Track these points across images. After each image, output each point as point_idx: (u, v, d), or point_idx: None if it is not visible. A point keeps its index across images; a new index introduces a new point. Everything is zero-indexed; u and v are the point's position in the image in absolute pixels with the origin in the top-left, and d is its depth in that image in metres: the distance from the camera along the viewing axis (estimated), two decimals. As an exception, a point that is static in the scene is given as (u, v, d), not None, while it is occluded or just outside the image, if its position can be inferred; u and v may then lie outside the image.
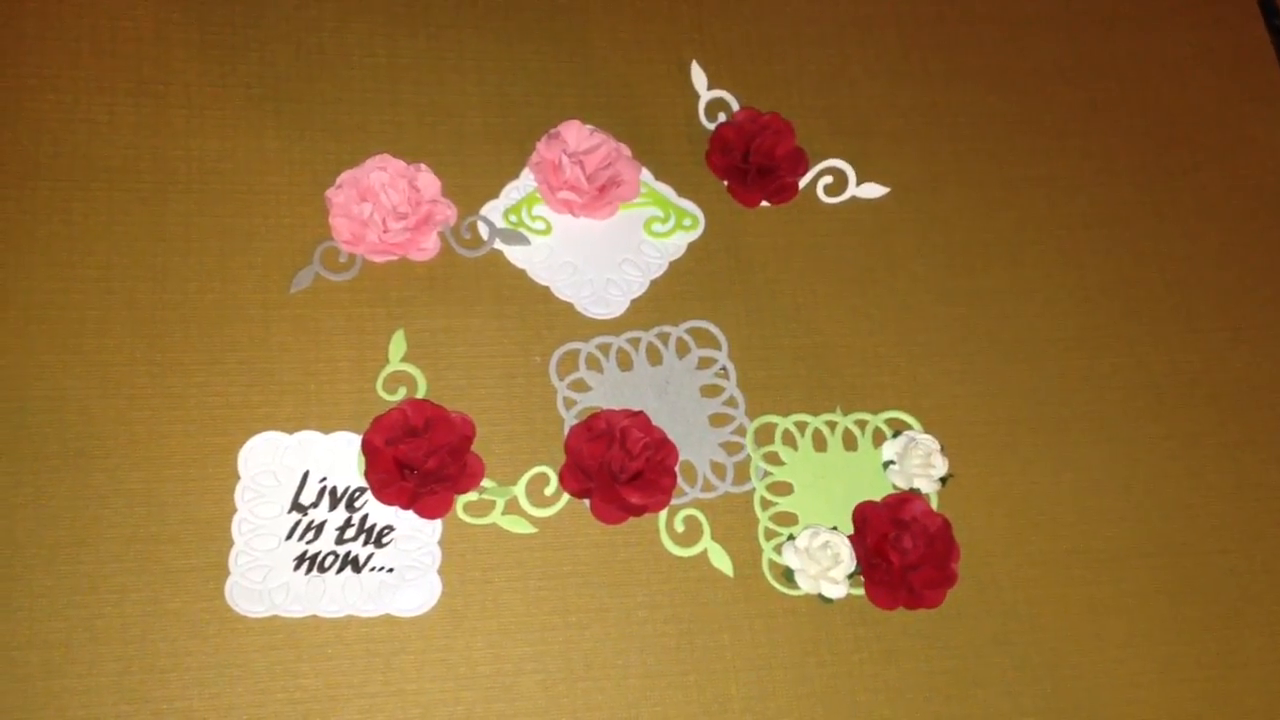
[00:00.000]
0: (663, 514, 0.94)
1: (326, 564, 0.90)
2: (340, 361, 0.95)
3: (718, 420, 0.98)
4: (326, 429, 0.92)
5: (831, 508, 0.98)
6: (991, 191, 1.12)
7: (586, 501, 0.93)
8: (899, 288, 1.06)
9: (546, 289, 1.00)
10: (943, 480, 0.98)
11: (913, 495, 0.96)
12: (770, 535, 0.96)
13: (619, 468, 0.91)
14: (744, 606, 0.94)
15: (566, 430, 0.94)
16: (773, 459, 0.98)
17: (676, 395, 0.99)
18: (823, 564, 0.94)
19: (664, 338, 1.00)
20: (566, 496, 0.93)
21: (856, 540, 0.96)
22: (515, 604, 0.91)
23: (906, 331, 1.05)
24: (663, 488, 0.93)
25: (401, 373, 0.95)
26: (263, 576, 0.88)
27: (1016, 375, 1.04)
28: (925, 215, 1.10)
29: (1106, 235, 1.12)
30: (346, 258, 0.97)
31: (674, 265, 1.04)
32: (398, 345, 0.96)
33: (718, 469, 0.97)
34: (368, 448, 0.91)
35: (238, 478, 0.90)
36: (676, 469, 0.94)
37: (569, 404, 0.96)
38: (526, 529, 0.92)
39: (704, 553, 0.94)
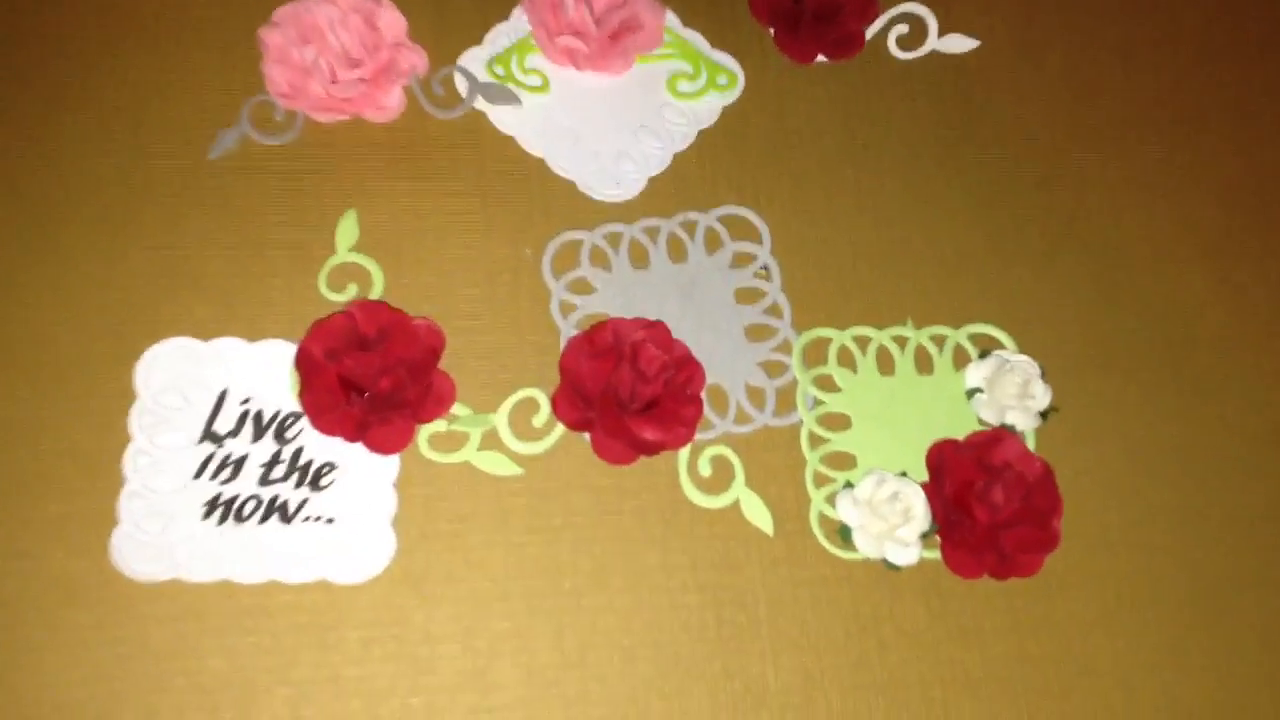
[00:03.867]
0: (684, 452, 0.76)
1: (246, 512, 0.71)
2: (272, 249, 0.77)
3: (756, 333, 0.80)
4: (252, 335, 0.75)
5: (900, 447, 0.79)
6: (1106, 54, 0.93)
7: (586, 436, 0.76)
8: (988, 168, 0.88)
9: (541, 162, 0.83)
10: (1043, 414, 0.80)
11: (1005, 433, 0.78)
12: (821, 481, 0.77)
13: (629, 393, 0.74)
14: (786, 572, 0.75)
15: (563, 344, 0.77)
16: (826, 384, 0.80)
17: (704, 301, 0.80)
18: (889, 520, 0.73)
19: (689, 227, 0.83)
20: (561, 428, 0.76)
21: (932, 490, 0.76)
22: (492, 566, 0.73)
23: (997, 224, 0.86)
24: (684, 419, 0.75)
25: (351, 265, 0.78)
26: (162, 527, 0.70)
27: (1135, 282, 0.83)
28: (1023, 78, 0.92)
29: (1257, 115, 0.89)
30: (283, 115, 0.81)
31: (704, 135, 0.86)
32: (347, 230, 0.79)
33: (755, 396, 0.78)
34: (304, 361, 0.73)
35: (134, 396, 0.72)
36: (703, 395, 0.76)
37: (566, 310, 0.78)
38: (509, 469, 0.75)
39: (736, 503, 0.76)
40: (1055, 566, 0.76)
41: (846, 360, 0.80)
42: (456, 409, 0.75)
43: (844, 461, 0.78)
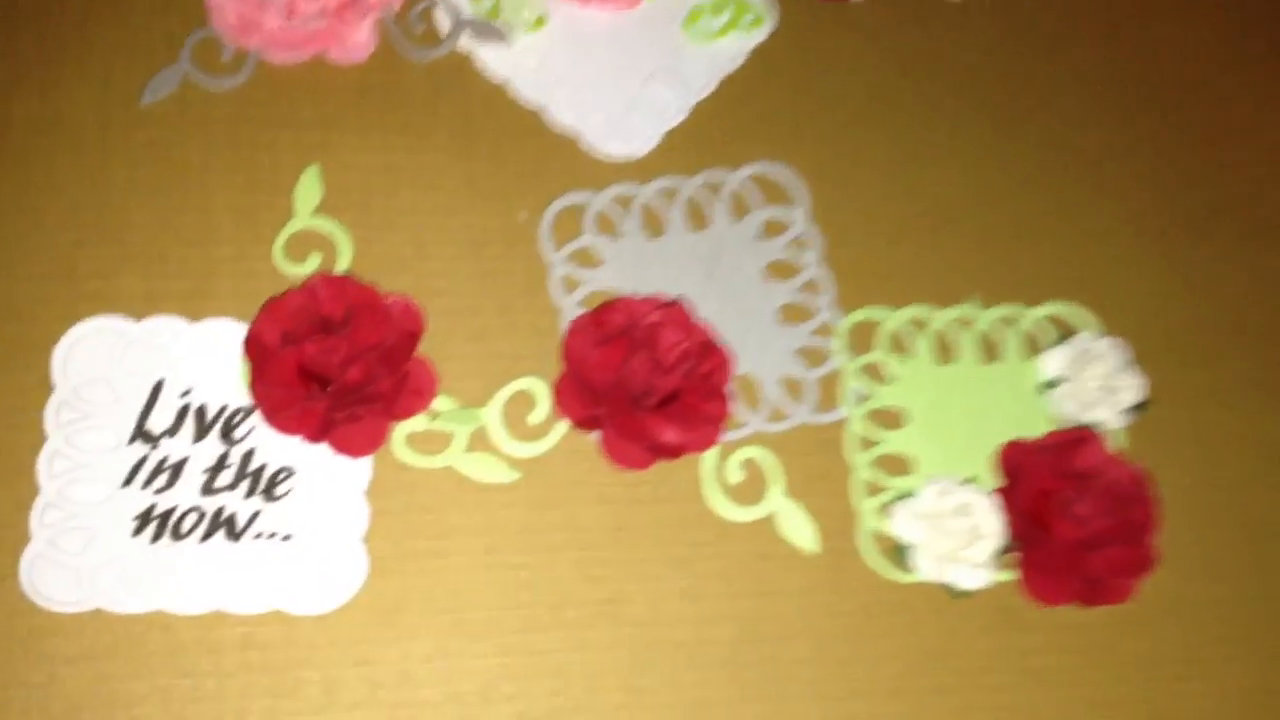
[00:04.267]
0: (710, 456, 0.65)
1: (186, 527, 0.59)
2: (218, 213, 0.66)
3: (792, 314, 0.69)
4: (194, 314, 0.63)
5: (964, 449, 0.67)
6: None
7: (594, 435, 0.64)
8: (1068, 119, 0.76)
9: (537, 113, 0.71)
10: (1135, 409, 0.68)
11: (1089, 432, 0.66)
12: (873, 490, 0.65)
13: (645, 385, 0.63)
14: (831, 600, 0.63)
15: (565, 326, 0.65)
16: (876, 373, 0.68)
17: (730, 276, 0.69)
18: (956, 537, 0.62)
19: (713, 189, 0.71)
20: (564, 427, 0.64)
21: (1004, 500, 0.64)
22: (481, 592, 0.61)
23: (1076, 185, 0.75)
24: (710, 416, 0.64)
25: (313, 232, 0.66)
26: (83, 546, 0.59)
27: (1242, 254, 0.73)
28: (1113, 10, 0.79)
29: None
30: (232, 55, 0.69)
31: (729, 81, 0.74)
32: (309, 191, 0.67)
33: (792, 388, 0.66)
34: (256, 346, 0.61)
35: (50, 388, 0.60)
36: (731, 388, 0.64)
37: (570, 286, 0.67)
38: (502, 475, 0.63)
39: (771, 516, 0.64)
40: (1153, 592, 0.64)
41: (900, 346, 0.69)
42: (439, 403, 0.63)
43: (899, 466, 0.66)
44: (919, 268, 0.70)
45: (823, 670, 0.61)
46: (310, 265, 0.64)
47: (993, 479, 0.66)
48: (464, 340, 0.65)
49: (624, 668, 0.60)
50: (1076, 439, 0.65)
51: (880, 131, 0.73)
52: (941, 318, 0.69)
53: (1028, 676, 0.63)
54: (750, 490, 0.64)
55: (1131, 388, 0.67)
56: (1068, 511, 0.62)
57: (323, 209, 0.66)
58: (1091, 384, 0.66)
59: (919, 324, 0.69)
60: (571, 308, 0.66)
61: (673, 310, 0.64)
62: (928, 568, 0.63)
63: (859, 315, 0.68)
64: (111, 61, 0.67)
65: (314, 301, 0.61)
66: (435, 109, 0.69)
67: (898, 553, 0.63)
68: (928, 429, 0.67)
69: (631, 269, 0.68)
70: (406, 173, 0.67)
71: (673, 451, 0.63)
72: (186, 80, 0.67)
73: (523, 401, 0.64)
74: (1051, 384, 0.68)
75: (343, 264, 0.65)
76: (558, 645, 0.60)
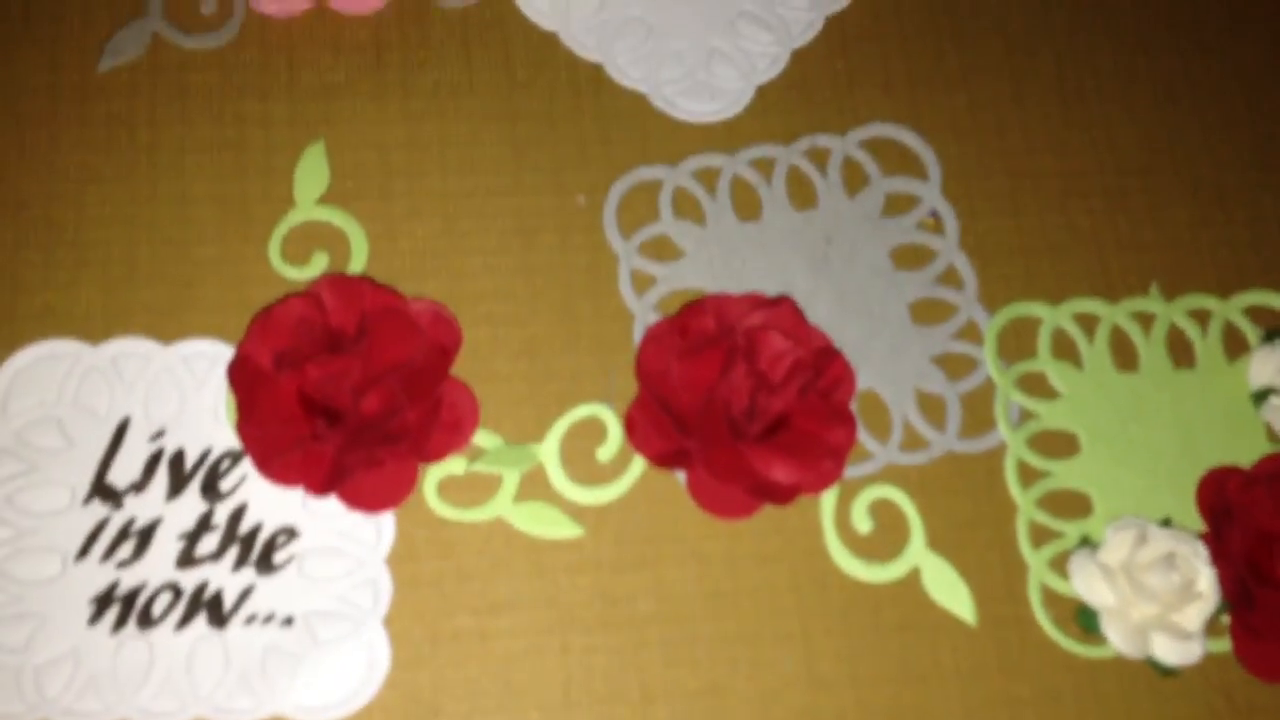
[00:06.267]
0: (829, 498, 0.51)
1: (158, 611, 0.46)
2: (198, 204, 0.53)
3: (926, 313, 0.55)
4: (167, 335, 0.51)
5: (1155, 480, 0.53)
6: None
7: (680, 475, 0.50)
8: (1260, 60, 0.61)
9: (597, 68, 0.58)
10: None
11: None
12: (1042, 538, 0.51)
13: (746, 409, 0.49)
14: (998, 684, 0.49)
15: (639, 336, 0.52)
16: (1037, 387, 0.54)
17: (845, 266, 0.55)
18: (1161, 598, 0.47)
19: (819, 157, 0.57)
20: (641, 465, 0.51)
21: (1211, 546, 0.50)
22: (541, 685, 0.47)
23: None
24: (831, 447, 0.50)
25: (318, 226, 0.53)
26: (27, 639, 0.46)
27: None
28: None
29: None
30: (214, 5, 0.56)
31: (835, 22, 0.60)
32: (312, 174, 0.54)
33: (931, 408, 0.53)
34: (246, 372, 0.49)
35: None
36: (853, 407, 0.50)
37: (642, 284, 0.54)
38: (564, 529, 0.50)
39: (914, 573, 0.50)
40: None
41: (1065, 350, 0.54)
42: (480, 439, 0.49)
43: (1073, 506, 0.52)
44: (1081, 251, 0.56)
45: (989, 777, 0.47)
46: (315, 268, 0.51)
47: (1192, 516, 0.51)
48: (511, 357, 0.51)
49: (729, 780, 0.46)
50: (1302, 464, 0.51)
51: (1028, 82, 0.59)
52: (1116, 313, 0.54)
53: (1257, 779, 0.48)
54: (884, 542, 0.50)
55: (1375, 396, 0.52)
56: (1292, 560, 0.48)
57: (330, 197, 0.53)
58: (1320, 392, 0.52)
59: (1088, 322, 0.54)
60: (646, 311, 0.53)
61: (778, 310, 0.51)
62: (1122, 639, 0.48)
63: (1011, 312, 0.54)
64: (61, 16, 0.54)
65: (318, 311, 0.48)
66: (470, 67, 0.56)
67: (1082, 619, 0.49)
68: (1106, 455, 0.52)
69: (720, 261, 0.54)
70: (434, 149, 0.54)
71: (783, 494, 0.49)
72: (156, 38, 0.54)
73: (588, 434, 0.51)
74: (1263, 395, 0.53)
75: (356, 265, 0.51)
76: (643, 752, 0.46)
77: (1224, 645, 0.49)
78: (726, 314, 0.51)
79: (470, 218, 0.53)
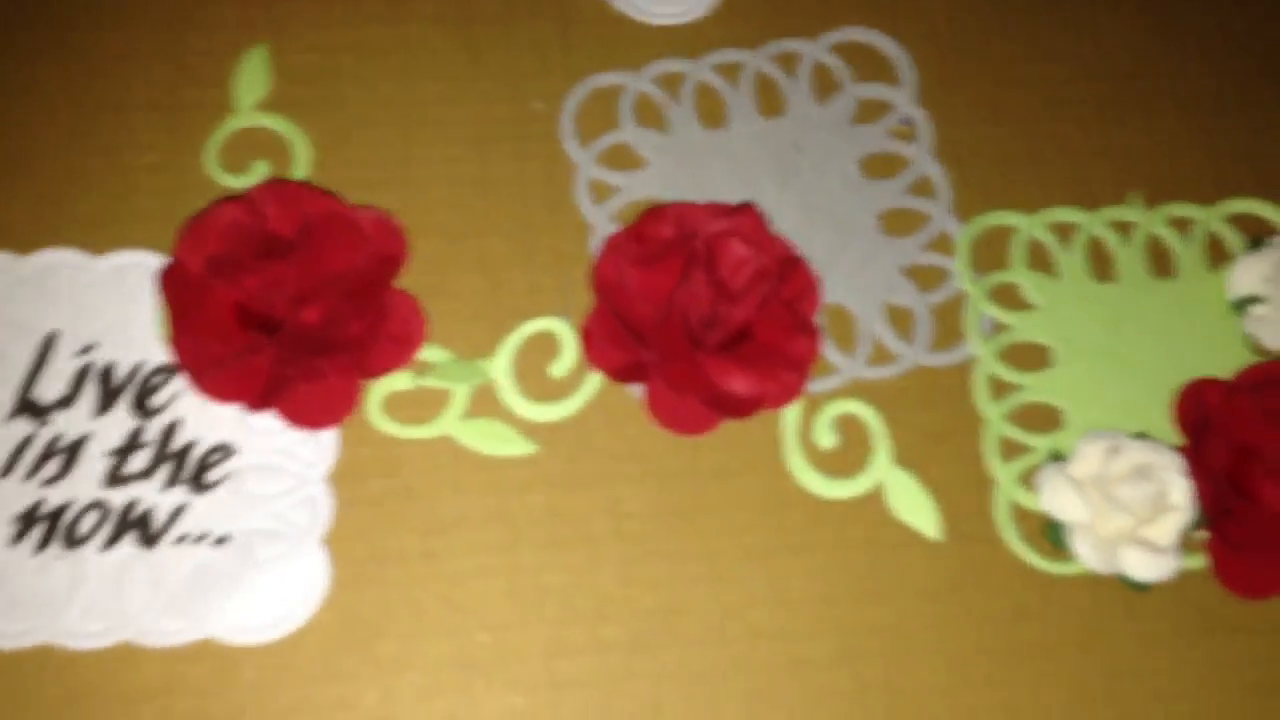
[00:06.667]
0: (792, 412, 0.49)
1: (84, 530, 0.45)
2: (132, 109, 0.50)
3: (897, 223, 0.53)
4: (98, 247, 0.49)
5: (1131, 392, 0.51)
6: None
7: (638, 390, 0.48)
8: None
9: None
10: None
11: None
12: (1013, 452, 0.49)
13: (705, 319, 0.47)
14: (963, 601, 0.47)
15: (596, 246, 0.50)
16: (1010, 298, 0.52)
17: (815, 175, 0.53)
18: (1133, 511, 0.46)
19: (787, 62, 0.55)
20: (597, 380, 0.49)
21: (1190, 459, 0.48)
22: (491, 607, 0.45)
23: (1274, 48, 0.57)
24: (793, 359, 0.48)
25: (259, 133, 0.51)
26: None
27: None
28: None
29: None
30: None
31: None
32: (253, 78, 0.52)
33: (900, 320, 0.52)
34: (177, 280, 0.47)
35: None
36: (819, 319, 0.49)
37: (602, 194, 0.52)
38: (516, 446, 0.48)
39: (878, 490, 0.48)
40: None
41: (1040, 260, 0.52)
42: (428, 353, 0.48)
43: (1046, 420, 0.50)
44: (1062, 160, 0.55)
45: (958, 700, 0.45)
46: (255, 176, 0.49)
47: (1169, 431, 0.49)
48: (463, 270, 0.50)
49: (686, 703, 0.44)
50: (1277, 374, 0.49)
51: (1004, -19, 0.56)
52: (1093, 222, 0.52)
53: (1238, 696, 0.46)
54: (848, 458, 0.48)
55: (1361, 304, 0.50)
56: (1268, 471, 0.47)
57: (273, 103, 0.51)
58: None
59: (1064, 231, 0.52)
60: (604, 222, 0.51)
61: (741, 218, 0.49)
62: (1092, 554, 0.46)
63: (985, 221, 0.52)
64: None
65: (255, 216, 0.46)
66: (419, -35, 0.53)
67: (1050, 534, 0.47)
68: (1081, 369, 0.50)
69: (683, 170, 0.53)
70: (383, 52, 0.52)
71: (744, 407, 0.47)
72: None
73: (542, 349, 0.49)
74: (1245, 303, 0.51)
75: (298, 173, 0.50)
76: (597, 675, 0.44)
77: (1198, 561, 0.47)
78: (687, 221, 0.49)
79: (422, 126, 0.52)
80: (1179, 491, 0.46)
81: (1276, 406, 0.48)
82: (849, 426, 0.48)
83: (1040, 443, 0.49)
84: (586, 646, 0.45)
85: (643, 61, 0.53)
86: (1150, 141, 0.54)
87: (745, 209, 0.49)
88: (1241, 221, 0.53)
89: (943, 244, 0.52)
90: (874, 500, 0.47)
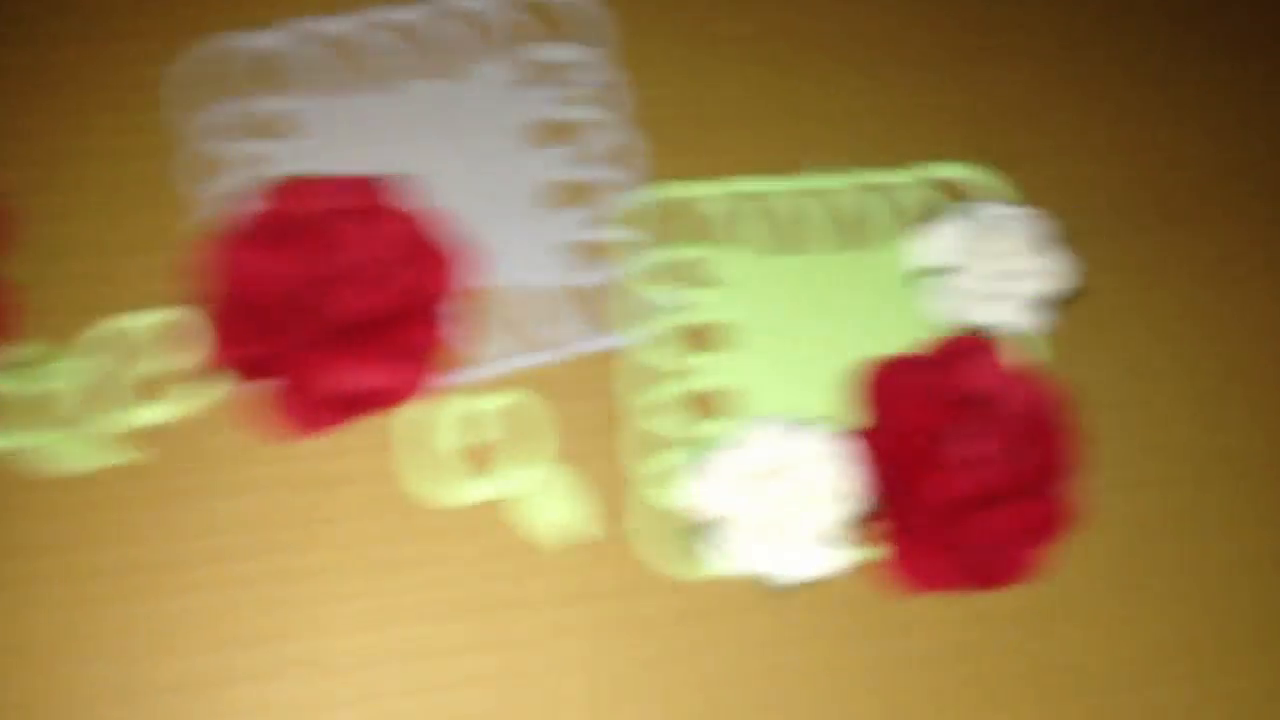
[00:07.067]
0: (423, 408, 0.44)
1: None
2: None
3: (563, 194, 0.48)
4: None
5: (812, 372, 0.46)
6: None
7: (248, 387, 0.43)
8: None
9: None
10: (1053, 304, 0.47)
11: (980, 339, 0.46)
12: (662, 444, 0.45)
13: (324, 305, 0.43)
14: (600, 607, 0.43)
15: (212, 229, 0.45)
16: (683, 275, 0.47)
17: (477, 141, 0.48)
18: (785, 504, 0.42)
19: (447, 17, 0.50)
20: (202, 376, 0.43)
21: (869, 443, 0.44)
22: (60, 642, 0.41)
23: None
24: (419, 349, 0.44)
25: None
26: None
27: (1202, 91, 0.52)
28: None
29: None
30: None
31: None
32: None
33: (562, 301, 0.47)
34: None
35: None
36: (458, 303, 0.45)
37: (218, 168, 0.47)
38: (103, 457, 0.42)
39: (510, 491, 0.44)
40: (1078, 569, 0.45)
41: (720, 233, 0.48)
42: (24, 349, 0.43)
43: (723, 406, 0.46)
44: (754, 124, 0.50)
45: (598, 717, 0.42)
46: None
47: (845, 415, 0.45)
48: (57, 256, 0.44)
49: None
50: (964, 347, 0.46)
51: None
52: (775, 189, 0.48)
53: (898, 698, 0.43)
54: (480, 458, 0.43)
55: (1042, 273, 0.46)
56: (944, 456, 0.43)
57: None
58: (984, 270, 0.46)
59: (748, 202, 0.48)
60: (220, 200, 0.45)
61: (369, 192, 0.44)
62: (738, 552, 0.42)
63: (661, 192, 0.48)
64: None
65: None
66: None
67: (694, 533, 0.43)
68: (757, 349, 0.46)
69: (320, 142, 0.47)
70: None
71: (366, 403, 0.43)
72: None
73: (146, 343, 0.43)
74: (928, 273, 0.47)
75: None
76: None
77: (859, 555, 0.43)
78: (308, 199, 0.44)
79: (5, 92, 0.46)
80: (841, 481, 0.43)
81: (949, 382, 0.45)
82: (492, 422, 0.44)
83: (698, 433, 0.45)
84: (177, 684, 0.41)
85: (270, 20, 0.48)
86: (841, 101, 0.50)
87: (376, 180, 0.44)
88: (939, 188, 0.49)
89: (614, 217, 0.47)
90: (502, 504, 0.43)
